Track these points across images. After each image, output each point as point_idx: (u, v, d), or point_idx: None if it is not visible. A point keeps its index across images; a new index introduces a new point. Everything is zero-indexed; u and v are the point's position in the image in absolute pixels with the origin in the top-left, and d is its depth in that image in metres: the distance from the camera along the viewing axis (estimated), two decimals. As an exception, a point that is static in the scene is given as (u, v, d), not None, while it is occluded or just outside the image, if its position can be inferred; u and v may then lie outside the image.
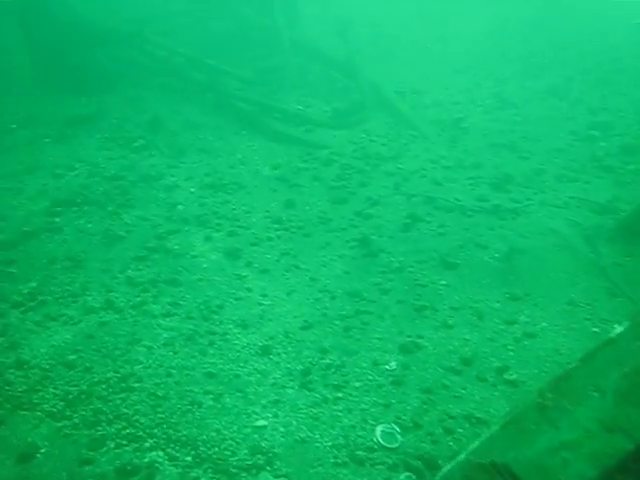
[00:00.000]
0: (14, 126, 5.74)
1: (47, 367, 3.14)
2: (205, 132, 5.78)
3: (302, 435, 2.79)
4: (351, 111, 5.89)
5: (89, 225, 4.36)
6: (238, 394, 3.01)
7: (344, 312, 3.59)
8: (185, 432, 2.77)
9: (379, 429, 2.79)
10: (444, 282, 3.83)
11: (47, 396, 2.96)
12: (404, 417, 2.85)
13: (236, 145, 5.57)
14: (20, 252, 4.05)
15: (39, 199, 4.66)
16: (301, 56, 7.38)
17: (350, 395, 3.01)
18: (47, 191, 4.77)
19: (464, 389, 3.02)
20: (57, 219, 4.43)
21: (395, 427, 2.80)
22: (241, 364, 3.20)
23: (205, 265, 4.00)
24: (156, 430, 2.78)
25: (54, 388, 3.01)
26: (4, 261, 3.93)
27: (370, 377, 3.13)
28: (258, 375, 3.13)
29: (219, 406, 2.94)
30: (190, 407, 2.93)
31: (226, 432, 2.78)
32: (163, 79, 6.72)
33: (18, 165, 5.13)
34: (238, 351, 3.29)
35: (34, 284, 3.77)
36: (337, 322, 3.51)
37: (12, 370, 3.11)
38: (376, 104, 6.28)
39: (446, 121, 6.10)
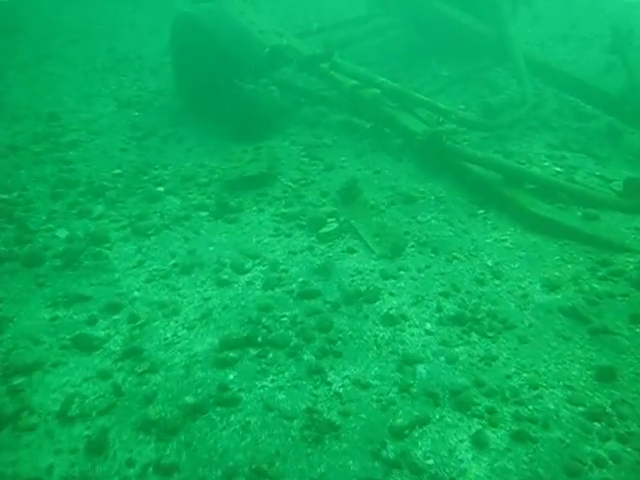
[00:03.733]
0: (161, 189, 4.54)
1: None
2: (424, 210, 4.19)
3: None
4: (652, 182, 4.00)
5: (281, 395, 2.93)
6: None
7: None
8: None
9: None
10: None
11: None
12: None
13: (476, 236, 3.91)
14: (181, 446, 2.69)
15: (203, 330, 3.32)
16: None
17: None
18: (212, 314, 3.43)
19: None
20: (231, 376, 3.04)
21: None
22: None
23: (491, 516, 2.41)
24: None
25: None
26: (158, 464, 2.59)
27: None
28: None
29: None
30: None
31: None
32: (349, 117, 5.26)
33: (169, 258, 3.86)
34: None
35: (205, 531, 2.40)
36: None
37: None
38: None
39: None
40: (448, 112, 4.69)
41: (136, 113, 5.54)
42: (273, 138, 5.09)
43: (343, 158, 4.83)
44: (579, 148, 4.75)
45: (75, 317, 3.41)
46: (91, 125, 5.33)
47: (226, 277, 3.68)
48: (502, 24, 5.51)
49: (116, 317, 3.41)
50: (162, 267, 3.80)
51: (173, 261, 3.85)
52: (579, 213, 3.93)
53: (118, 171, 4.71)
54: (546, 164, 4.57)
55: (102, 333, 3.29)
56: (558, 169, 4.48)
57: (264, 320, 3.34)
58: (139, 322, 3.36)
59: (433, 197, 4.30)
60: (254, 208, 4.31)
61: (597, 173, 4.39)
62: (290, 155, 4.87)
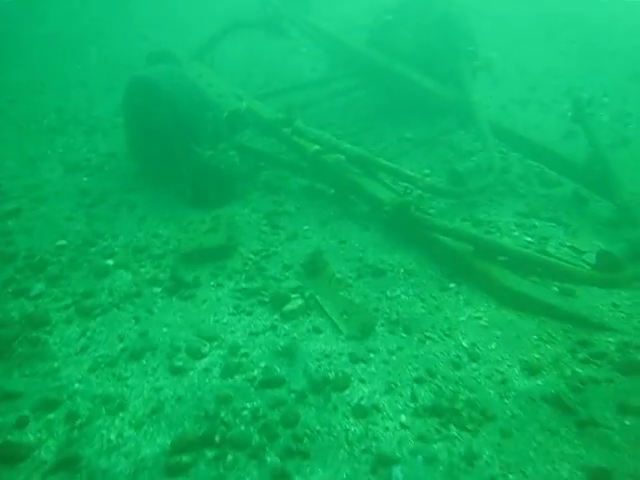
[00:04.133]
0: (111, 262, 4.23)
1: None
2: (394, 284, 3.98)
3: None
4: (630, 253, 3.93)
5: (241, 508, 2.63)
6: None
7: None
8: None
9: None
10: None
11: None
12: None
13: (449, 314, 3.73)
14: None
15: (153, 429, 2.98)
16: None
17: None
18: (163, 408, 3.10)
19: None
20: (184, 484, 2.73)
21: None
22: None
23: None
24: None
25: None
26: None
27: None
28: None
29: None
30: None
31: None
32: (312, 182, 5.11)
33: (117, 342, 3.53)
34: None
35: None
36: None
37: None
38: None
39: None
40: (415, 179, 4.60)
41: (85, 178, 5.26)
42: (232, 205, 4.88)
43: (307, 227, 4.65)
44: (548, 216, 4.70)
45: (0, 420, 3.03)
46: (35, 192, 5.01)
47: (180, 363, 3.37)
48: (465, 91, 5.55)
49: (51, 416, 3.04)
50: (109, 353, 3.47)
51: (121, 345, 3.52)
52: (555, 288, 3.82)
53: (63, 242, 4.39)
54: (516, 234, 4.48)
55: (32, 438, 2.92)
56: (529, 239, 4.39)
57: (223, 414, 3.04)
58: (78, 422, 3.01)
59: (402, 270, 4.13)
60: (212, 283, 4.05)
61: (568, 244, 4.32)
62: (250, 224, 4.66)
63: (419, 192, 4.69)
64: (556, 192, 5.16)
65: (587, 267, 3.94)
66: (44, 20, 8.88)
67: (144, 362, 3.41)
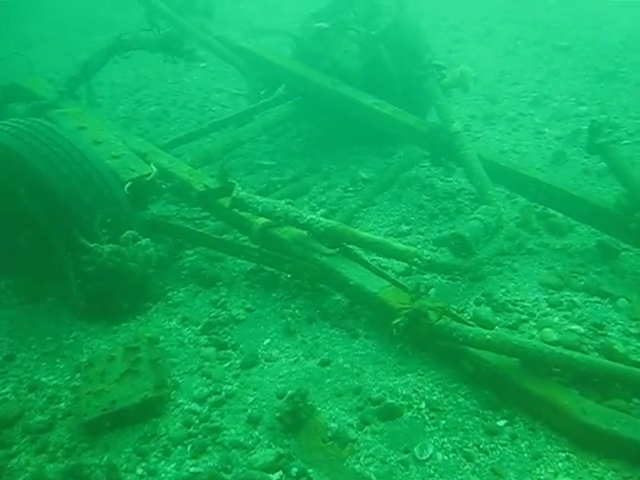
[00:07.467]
0: None
1: None
2: (419, 432, 2.79)
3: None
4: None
5: None
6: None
7: None
8: None
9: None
10: None
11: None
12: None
13: (518, 482, 2.67)
14: None
15: None
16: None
17: None
18: None
19: None
20: None
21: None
22: None
23: None
24: None
25: None
26: None
27: None
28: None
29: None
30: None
31: None
32: (258, 264, 3.87)
33: None
34: None
35: None
36: None
37: None
38: None
39: None
40: (410, 254, 3.49)
41: None
42: (151, 314, 3.53)
43: (267, 340, 3.39)
44: (584, 284, 3.73)
45: None
46: None
47: None
48: (444, 119, 4.51)
49: None
50: None
51: None
52: (651, 416, 2.86)
53: None
54: (556, 320, 3.48)
55: None
56: (578, 328, 3.40)
57: None
58: None
59: (424, 404, 2.98)
60: (139, 471, 2.69)
61: (634, 330, 3.39)
62: (184, 346, 3.33)
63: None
64: (573, 243, 4.23)
65: None
66: None
67: None
